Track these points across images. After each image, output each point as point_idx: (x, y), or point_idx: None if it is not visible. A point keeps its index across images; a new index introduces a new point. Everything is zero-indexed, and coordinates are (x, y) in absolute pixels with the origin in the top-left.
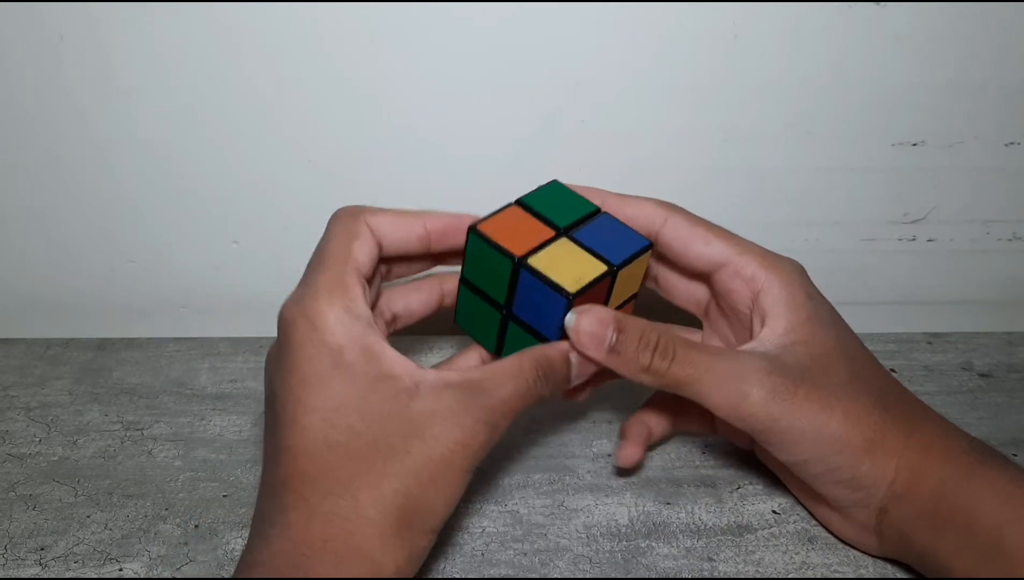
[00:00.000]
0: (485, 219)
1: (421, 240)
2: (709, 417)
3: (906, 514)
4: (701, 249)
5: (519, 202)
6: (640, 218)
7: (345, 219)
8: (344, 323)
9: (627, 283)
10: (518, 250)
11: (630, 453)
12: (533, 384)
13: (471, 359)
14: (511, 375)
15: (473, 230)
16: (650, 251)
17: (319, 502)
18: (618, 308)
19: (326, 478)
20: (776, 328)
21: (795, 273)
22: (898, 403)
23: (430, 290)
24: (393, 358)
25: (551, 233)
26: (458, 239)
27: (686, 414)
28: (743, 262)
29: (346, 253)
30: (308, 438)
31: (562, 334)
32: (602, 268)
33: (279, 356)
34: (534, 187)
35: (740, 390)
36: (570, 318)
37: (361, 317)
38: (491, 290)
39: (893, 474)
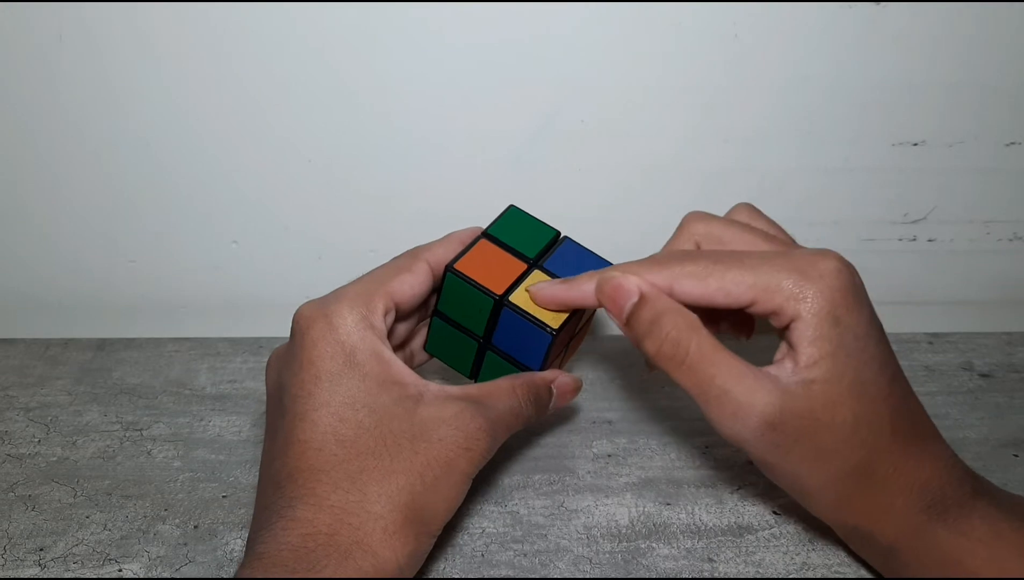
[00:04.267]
0: (459, 258)
1: None
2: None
3: (913, 561)
4: (722, 300)
5: (486, 235)
6: (638, 289)
7: (401, 256)
8: (360, 328)
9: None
10: (498, 289)
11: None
12: (524, 405)
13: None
14: (507, 394)
15: (451, 270)
16: None
17: (327, 495)
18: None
19: (335, 471)
20: (799, 360)
21: (824, 296)
22: (911, 440)
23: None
24: (401, 367)
25: (524, 266)
26: None
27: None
28: (768, 297)
29: (385, 278)
30: (318, 432)
31: (543, 363)
32: None
33: (291, 352)
34: (551, 226)
35: (739, 434)
36: (596, 280)
37: (376, 328)
38: (469, 324)
39: (855, 523)
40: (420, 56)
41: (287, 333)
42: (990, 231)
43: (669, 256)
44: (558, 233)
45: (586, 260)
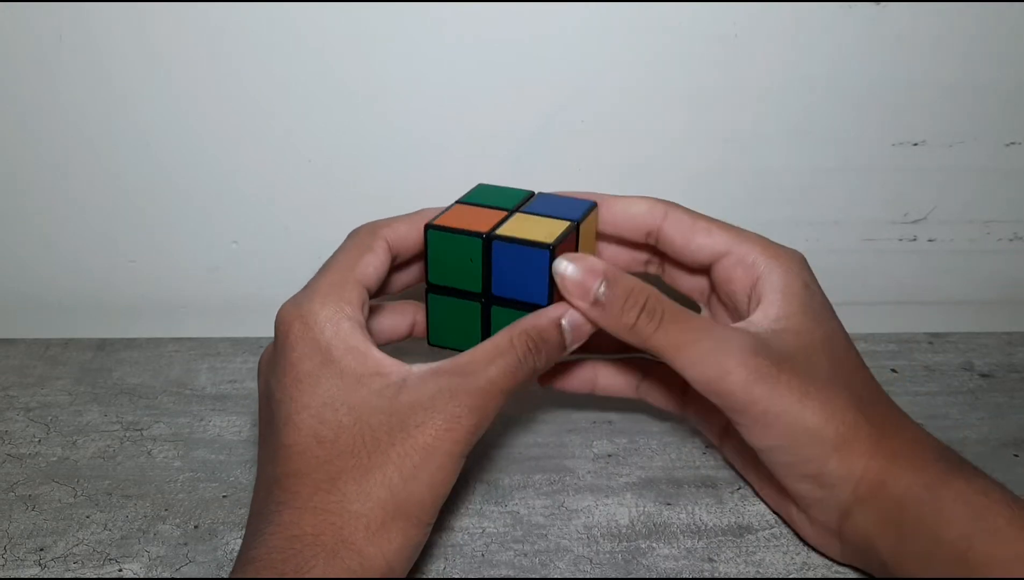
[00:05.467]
0: (437, 217)
1: None
2: (678, 394)
3: (870, 519)
4: (703, 240)
5: (460, 201)
6: (641, 215)
7: (361, 234)
8: (333, 321)
9: (587, 243)
10: (483, 228)
11: (560, 380)
12: (523, 358)
13: None
14: (497, 353)
15: (431, 227)
16: (596, 211)
17: (309, 497)
18: None
19: (315, 474)
20: (768, 312)
21: (795, 262)
22: (874, 404)
23: (403, 313)
24: (380, 357)
25: (503, 213)
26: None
27: (654, 384)
28: (745, 250)
29: (352, 263)
30: (300, 435)
31: (552, 295)
32: (565, 224)
33: (274, 356)
34: (525, 188)
35: (722, 366)
36: (558, 263)
37: (351, 318)
38: (464, 283)
39: (859, 475)
40: (420, 56)
41: None
42: (990, 231)
43: (660, 200)
44: (533, 192)
45: (569, 203)
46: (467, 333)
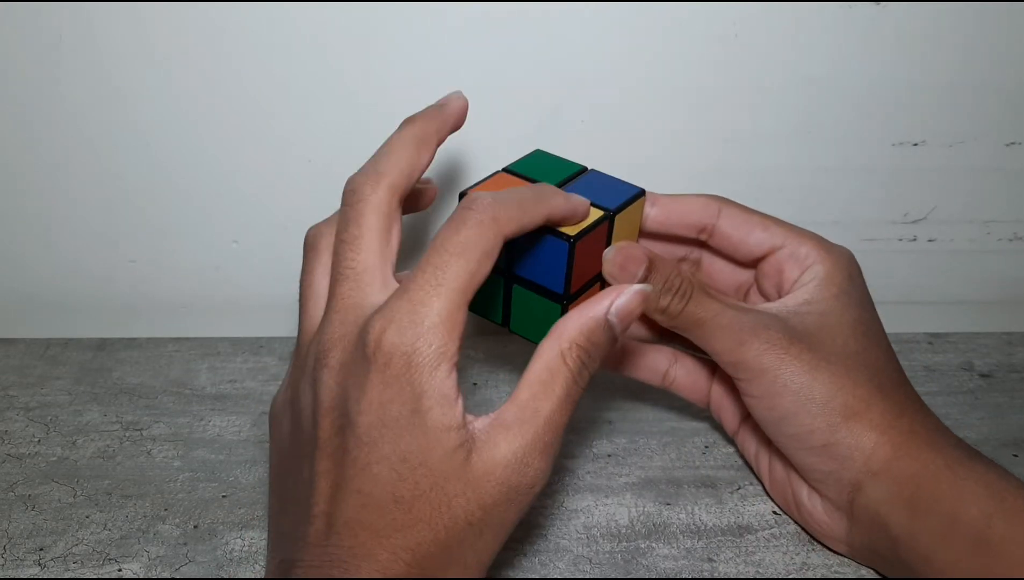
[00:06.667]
0: (474, 186)
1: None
2: (703, 384)
3: (883, 494)
4: (761, 234)
5: (506, 169)
6: (695, 213)
7: (482, 228)
8: (435, 365)
9: (625, 231)
10: None
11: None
12: (579, 373)
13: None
14: (551, 378)
15: (464, 195)
16: (644, 198)
17: (390, 564)
18: (587, 284)
19: (393, 538)
20: (799, 296)
21: (844, 257)
22: (896, 388)
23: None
24: (459, 410)
25: None
26: (574, 220)
27: (680, 373)
28: (799, 244)
29: (470, 277)
30: (378, 488)
31: (566, 285)
32: (598, 213)
33: (363, 375)
34: (579, 163)
35: (738, 338)
36: (608, 252)
37: (451, 359)
38: None
39: (871, 448)
40: (420, 56)
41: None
42: (990, 231)
43: (714, 197)
44: (585, 168)
45: (615, 186)
46: (491, 303)
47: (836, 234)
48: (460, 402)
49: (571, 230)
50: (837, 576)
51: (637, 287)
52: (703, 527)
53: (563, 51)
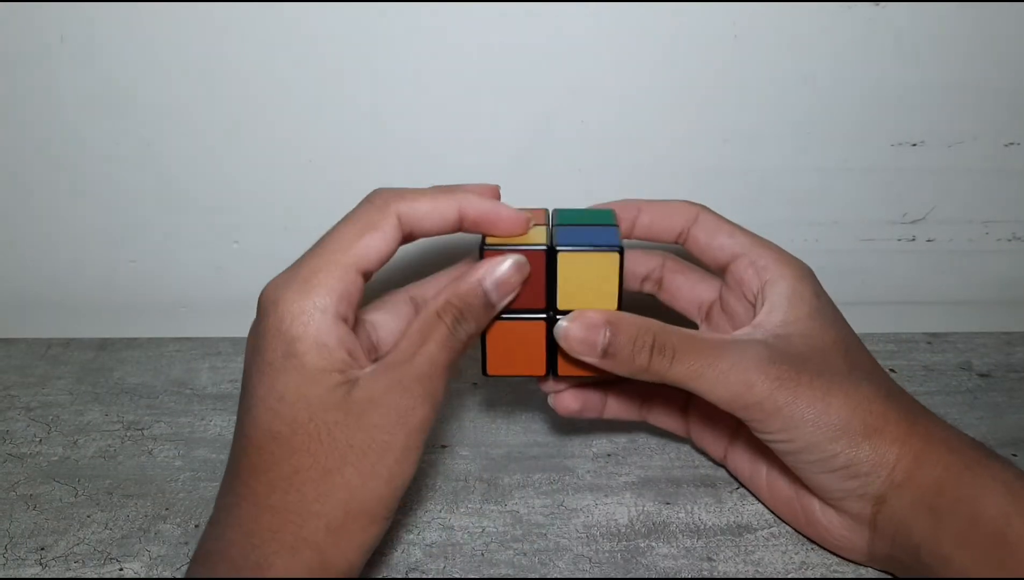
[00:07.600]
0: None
1: (454, 225)
2: (679, 414)
3: (906, 503)
4: (724, 240)
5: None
6: (678, 218)
7: (371, 208)
8: (305, 315)
9: (584, 286)
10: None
11: (567, 403)
12: (454, 327)
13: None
14: (429, 330)
15: (483, 243)
16: (617, 257)
17: (267, 495)
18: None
19: (272, 471)
20: (773, 317)
21: (804, 272)
22: (898, 396)
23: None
24: (342, 354)
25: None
26: (494, 228)
27: (656, 406)
28: (758, 253)
29: (348, 243)
30: (257, 428)
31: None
32: (541, 235)
33: (250, 338)
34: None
35: (744, 380)
36: (558, 328)
37: (325, 311)
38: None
39: (894, 461)
40: (420, 57)
41: None
42: (989, 231)
43: (693, 203)
44: (613, 212)
45: (600, 234)
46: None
47: (836, 234)
48: (343, 351)
49: (497, 240)
50: (836, 576)
51: (513, 257)
52: (702, 526)
53: (563, 51)
